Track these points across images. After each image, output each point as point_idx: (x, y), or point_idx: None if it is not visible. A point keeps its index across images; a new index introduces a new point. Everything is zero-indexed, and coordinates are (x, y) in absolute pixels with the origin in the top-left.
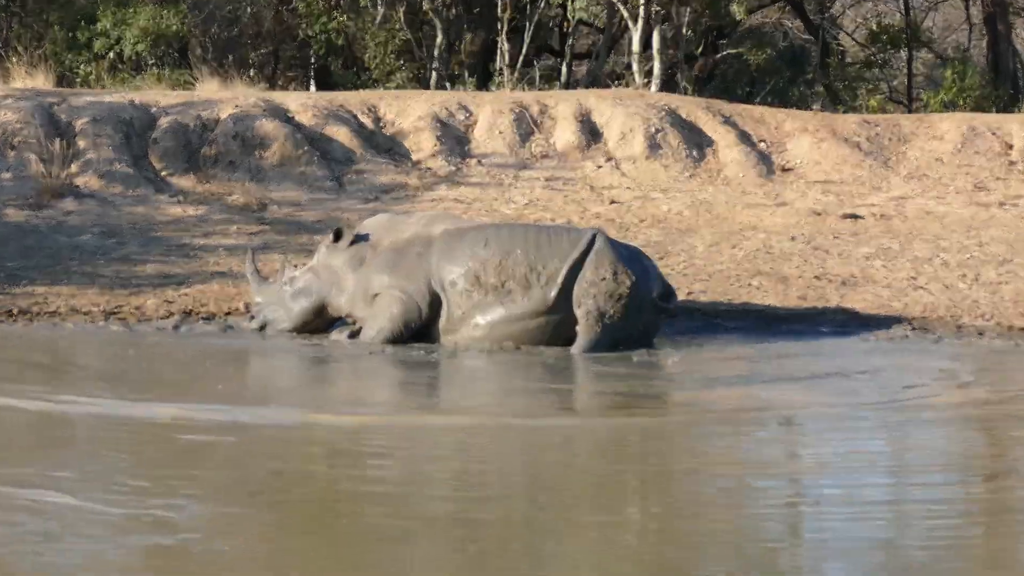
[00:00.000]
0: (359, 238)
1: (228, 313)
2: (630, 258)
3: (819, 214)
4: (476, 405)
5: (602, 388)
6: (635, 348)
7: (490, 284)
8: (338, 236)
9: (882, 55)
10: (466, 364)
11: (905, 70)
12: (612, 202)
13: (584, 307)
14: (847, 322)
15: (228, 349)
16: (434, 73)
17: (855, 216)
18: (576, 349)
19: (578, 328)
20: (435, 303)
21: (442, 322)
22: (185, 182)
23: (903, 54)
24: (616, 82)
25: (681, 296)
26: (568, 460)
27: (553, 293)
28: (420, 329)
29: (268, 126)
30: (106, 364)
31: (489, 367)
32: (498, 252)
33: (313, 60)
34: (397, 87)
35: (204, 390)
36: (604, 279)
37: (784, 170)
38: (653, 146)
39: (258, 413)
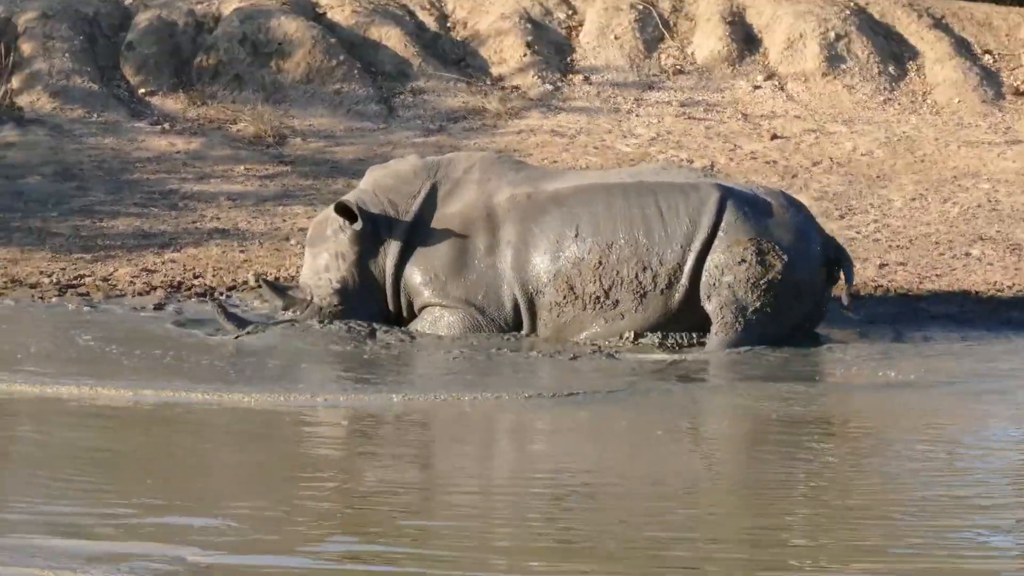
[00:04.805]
0: (370, 215)
1: (232, 288)
2: (772, 225)
3: None
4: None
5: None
6: (794, 341)
7: (589, 294)
8: (350, 215)
9: None
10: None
11: None
12: (774, 137)
13: (717, 300)
14: None
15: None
16: None
17: None
18: (710, 348)
19: (712, 325)
20: (512, 320)
21: None
22: (172, 104)
23: None
24: None
25: (869, 270)
26: None
27: (678, 298)
28: None
29: (289, 26)
30: (60, 352)
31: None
32: (595, 246)
33: None
34: None
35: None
36: (743, 262)
37: (1018, 94)
38: (833, 58)
39: None
